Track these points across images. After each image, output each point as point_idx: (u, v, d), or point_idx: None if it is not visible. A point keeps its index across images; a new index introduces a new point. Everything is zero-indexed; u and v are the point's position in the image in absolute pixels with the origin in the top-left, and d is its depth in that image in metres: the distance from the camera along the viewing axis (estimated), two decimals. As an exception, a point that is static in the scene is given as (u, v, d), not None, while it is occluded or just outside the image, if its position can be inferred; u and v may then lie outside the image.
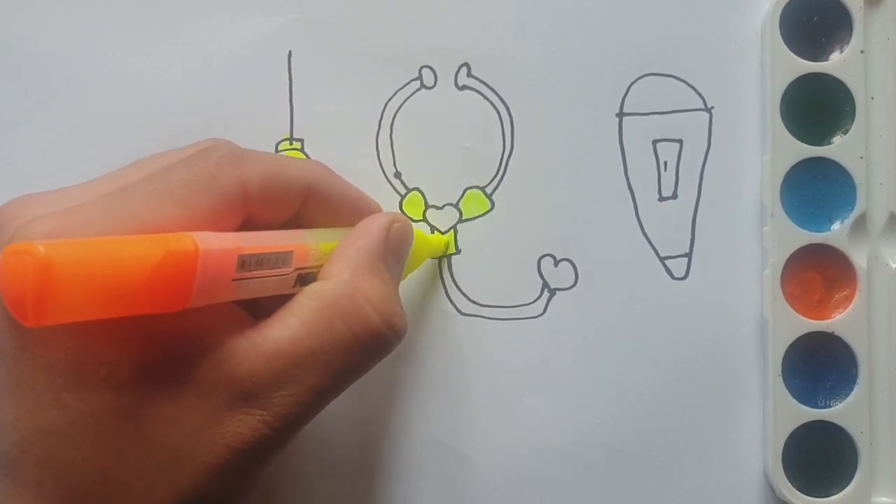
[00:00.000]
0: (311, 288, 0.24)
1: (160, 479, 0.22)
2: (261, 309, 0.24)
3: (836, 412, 0.30)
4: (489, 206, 0.32)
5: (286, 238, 0.25)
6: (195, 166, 0.23)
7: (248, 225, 0.25)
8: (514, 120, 0.32)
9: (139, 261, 0.20)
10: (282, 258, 0.23)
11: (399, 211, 0.32)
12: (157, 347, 0.22)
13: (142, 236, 0.21)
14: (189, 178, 0.23)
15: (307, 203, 0.26)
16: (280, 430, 0.23)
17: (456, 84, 0.32)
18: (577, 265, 0.32)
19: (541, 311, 0.32)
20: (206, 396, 0.22)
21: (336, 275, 0.25)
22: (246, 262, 0.22)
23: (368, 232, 0.26)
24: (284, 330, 0.23)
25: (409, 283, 0.31)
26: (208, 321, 0.23)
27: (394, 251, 0.27)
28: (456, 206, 0.32)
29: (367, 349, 0.24)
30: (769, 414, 0.30)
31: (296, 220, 0.26)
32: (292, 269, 0.24)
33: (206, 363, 0.22)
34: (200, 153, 0.24)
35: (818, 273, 0.31)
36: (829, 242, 0.31)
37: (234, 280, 0.22)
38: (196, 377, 0.22)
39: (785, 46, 0.31)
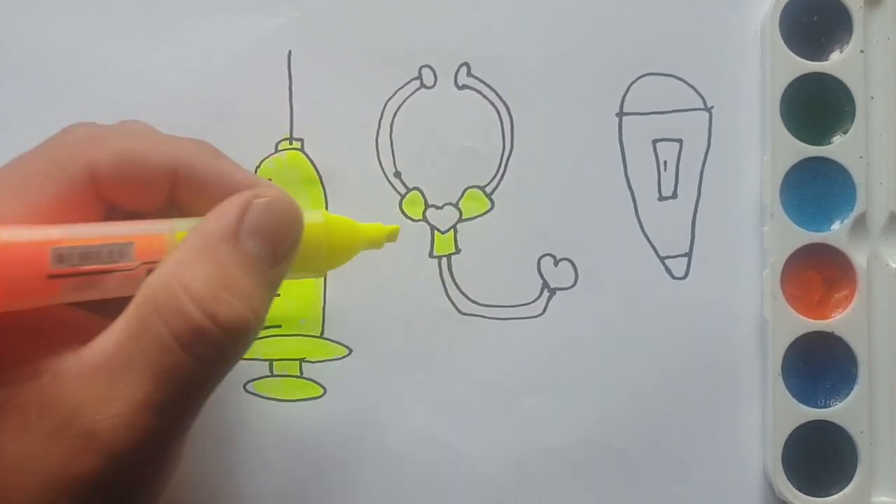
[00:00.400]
0: (143, 282, 0.21)
1: None
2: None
3: (835, 412, 0.30)
4: (489, 205, 0.32)
5: (126, 228, 0.21)
6: (40, 153, 0.22)
7: (113, 214, 0.23)
8: (514, 119, 0.32)
9: None
10: (117, 251, 0.21)
11: (399, 210, 0.32)
12: None
13: None
14: (29, 167, 0.21)
15: (177, 187, 0.23)
16: (117, 460, 0.19)
17: (456, 84, 0.32)
18: (577, 265, 0.32)
19: (541, 310, 0.32)
20: (31, 425, 0.19)
21: (163, 263, 0.21)
22: (64, 256, 0.20)
23: (216, 212, 0.22)
24: (108, 339, 0.20)
25: (409, 283, 0.31)
26: (40, 339, 0.20)
27: (260, 231, 0.22)
28: (456, 205, 0.32)
29: (191, 350, 0.20)
30: (769, 414, 0.30)
31: (171, 208, 0.24)
32: (137, 263, 0.21)
33: (32, 388, 0.20)
34: (53, 138, 0.23)
35: (818, 273, 0.31)
36: (829, 242, 0.31)
37: (50, 277, 0.19)
38: (21, 405, 0.20)
39: (785, 46, 0.31)
